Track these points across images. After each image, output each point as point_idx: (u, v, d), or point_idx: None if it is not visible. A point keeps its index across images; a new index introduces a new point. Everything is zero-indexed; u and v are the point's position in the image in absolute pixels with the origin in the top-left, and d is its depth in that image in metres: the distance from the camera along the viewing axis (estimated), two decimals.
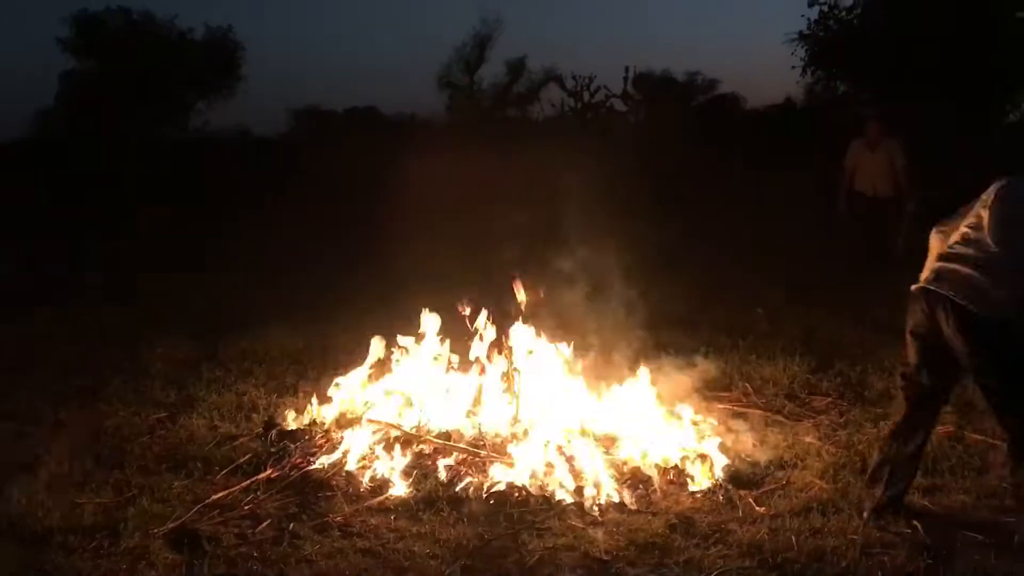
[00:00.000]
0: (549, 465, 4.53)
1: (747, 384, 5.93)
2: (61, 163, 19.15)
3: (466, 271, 7.63)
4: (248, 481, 4.55)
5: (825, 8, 18.74)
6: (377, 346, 5.47)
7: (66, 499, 4.30)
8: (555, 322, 5.49)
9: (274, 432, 5.11)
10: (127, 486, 4.49)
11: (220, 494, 4.39)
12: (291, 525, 4.10)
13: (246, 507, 4.28)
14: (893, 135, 9.64)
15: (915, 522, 3.90)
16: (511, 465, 4.56)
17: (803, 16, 19.04)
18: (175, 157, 20.58)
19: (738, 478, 4.49)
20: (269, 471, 4.65)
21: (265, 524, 4.11)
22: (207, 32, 26.03)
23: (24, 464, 4.69)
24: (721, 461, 4.62)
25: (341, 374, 5.50)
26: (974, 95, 17.40)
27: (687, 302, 8.19)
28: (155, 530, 4.02)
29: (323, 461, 4.74)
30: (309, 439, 5.05)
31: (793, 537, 3.82)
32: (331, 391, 5.37)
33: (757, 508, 4.17)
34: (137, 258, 11.27)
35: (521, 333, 5.29)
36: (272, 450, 4.93)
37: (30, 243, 11.85)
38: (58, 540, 3.89)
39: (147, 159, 19.59)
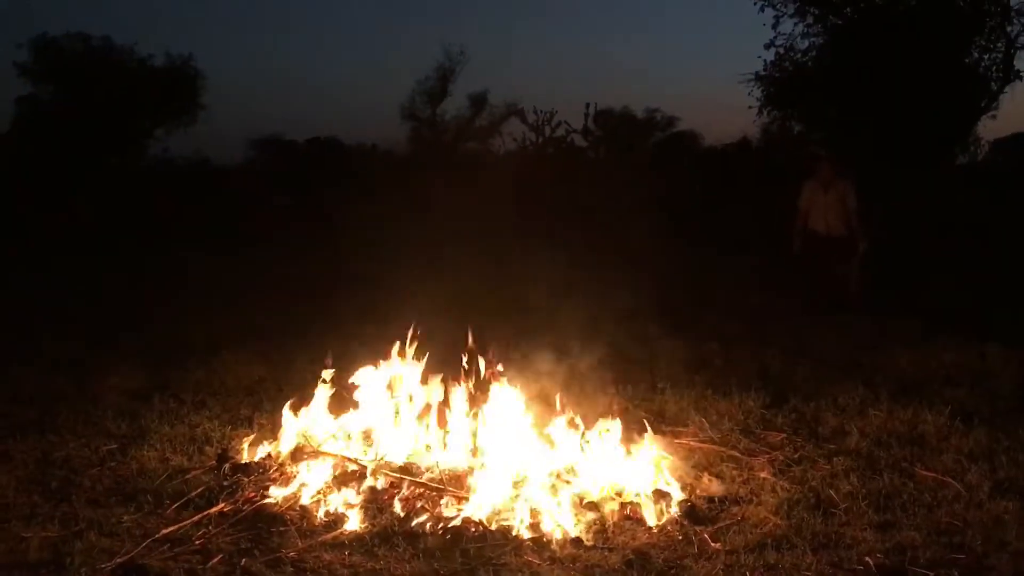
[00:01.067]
0: (506, 501, 4.51)
1: (703, 419, 5.97)
2: (12, 189, 18.83)
3: (428, 301, 7.61)
4: (199, 515, 4.46)
5: (781, 50, 19.20)
6: (326, 380, 5.43)
7: (11, 532, 4.19)
8: (512, 357, 5.49)
9: (227, 465, 5.03)
10: (75, 519, 4.39)
11: (170, 528, 4.29)
12: (243, 561, 4.02)
13: (197, 542, 4.20)
14: (845, 176, 9.88)
15: (867, 559, 3.94)
16: (468, 500, 4.53)
17: (759, 57, 19.50)
18: (133, 185, 20.37)
19: (694, 514, 4.50)
20: (221, 505, 4.57)
21: (216, 559, 4.03)
22: (167, 60, 25.93)
23: None
24: (677, 496, 4.64)
25: (297, 407, 5.43)
26: (920, 141, 17.88)
27: (642, 337, 8.25)
28: (103, 565, 3.93)
29: (277, 495, 4.68)
30: (263, 472, 4.98)
31: (748, 573, 3.84)
32: (285, 424, 5.30)
33: (712, 544, 4.18)
34: (90, 286, 11.09)
35: (480, 373, 5.29)
36: (225, 483, 4.85)
37: None
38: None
39: (103, 185, 19.36)
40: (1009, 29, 18.71)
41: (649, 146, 28.10)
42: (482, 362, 5.32)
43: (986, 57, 18.87)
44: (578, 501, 4.60)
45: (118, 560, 3.98)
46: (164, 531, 4.27)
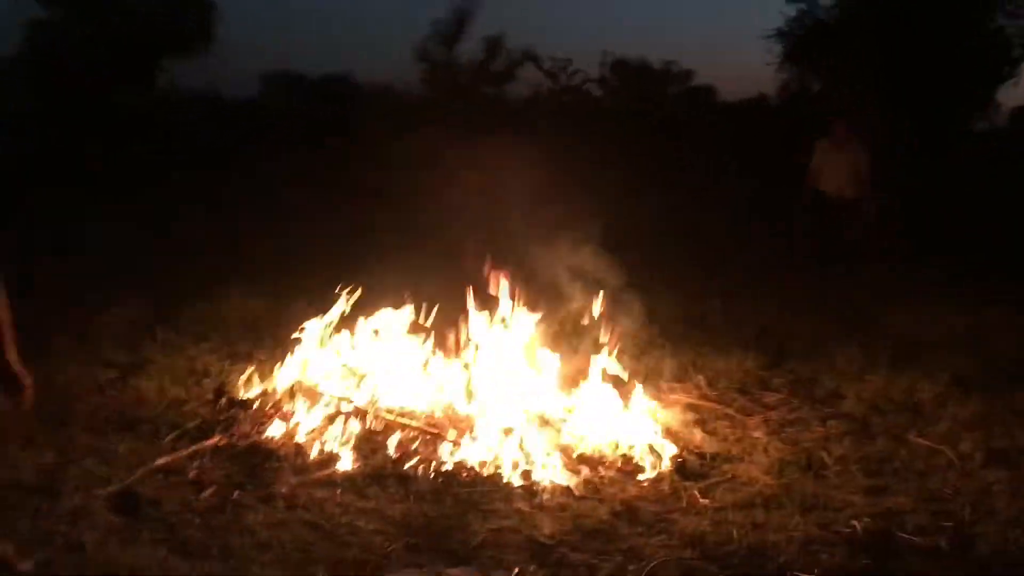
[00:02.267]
0: (499, 446, 4.54)
1: (700, 376, 5.97)
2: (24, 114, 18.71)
3: (436, 245, 7.59)
4: (195, 447, 4.51)
5: (804, 6, 18.86)
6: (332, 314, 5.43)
7: (9, 456, 4.23)
8: (517, 304, 5.47)
9: (224, 399, 5.07)
10: (72, 446, 4.43)
11: (166, 459, 4.35)
12: (235, 494, 4.07)
13: (191, 473, 4.25)
14: (858, 137, 9.75)
15: (854, 522, 3.96)
16: (461, 445, 4.56)
17: (781, 13, 19.16)
18: (141, 115, 20.23)
19: (685, 469, 4.52)
20: (217, 438, 4.62)
21: (209, 491, 4.08)
22: None
23: None
24: (670, 451, 4.66)
25: (296, 344, 5.45)
26: (940, 104, 17.62)
27: (647, 290, 8.20)
28: (97, 491, 3.98)
29: (272, 431, 4.71)
30: (259, 408, 5.01)
31: (735, 530, 3.86)
32: (283, 360, 5.33)
33: (702, 500, 4.21)
34: (94, 216, 11.05)
35: (482, 313, 5.29)
36: (221, 417, 4.91)
37: None
38: None
39: (113, 114, 19.21)
40: None
41: (666, 98, 27.77)
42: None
43: (1010, 23, 18.49)
44: (571, 451, 4.63)
45: (112, 487, 4.03)
46: (159, 461, 4.32)
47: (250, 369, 5.42)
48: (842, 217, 9.54)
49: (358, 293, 5.51)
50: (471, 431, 4.65)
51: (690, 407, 5.43)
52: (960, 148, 18.36)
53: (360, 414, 4.82)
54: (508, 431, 4.62)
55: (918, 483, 4.43)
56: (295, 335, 5.40)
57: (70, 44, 22.15)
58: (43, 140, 16.06)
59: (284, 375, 5.23)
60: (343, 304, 5.44)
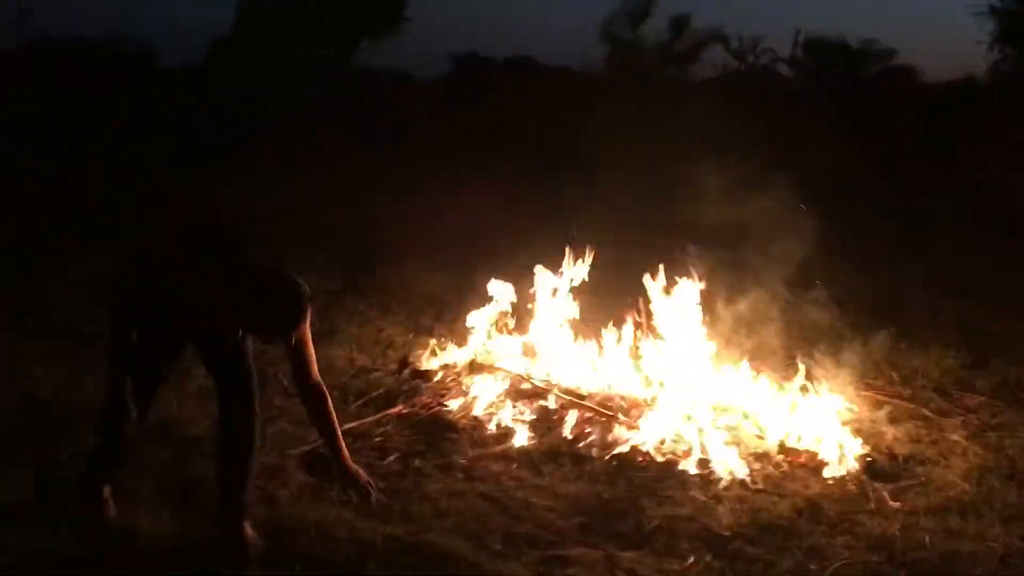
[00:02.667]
0: (677, 433, 4.47)
1: (895, 374, 5.65)
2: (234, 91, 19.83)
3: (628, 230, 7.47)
4: (380, 415, 4.70)
5: None
6: (502, 294, 5.50)
7: (209, 414, 4.54)
8: (705, 289, 5.34)
9: (408, 370, 5.25)
10: (269, 407, 4.69)
11: (353, 424, 4.54)
12: (416, 461, 4.22)
13: (376, 439, 4.43)
14: None
15: None
16: (638, 429, 4.52)
17: None
18: (344, 91, 21.06)
19: (874, 470, 4.30)
20: (400, 407, 4.79)
21: (393, 458, 4.25)
22: None
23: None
24: (858, 450, 4.43)
25: (478, 319, 5.55)
26: None
27: (841, 282, 7.82)
28: (291, 451, 4.22)
29: (452, 403, 4.84)
30: (440, 380, 5.16)
31: (927, 536, 3.64)
32: (466, 334, 5.46)
33: (891, 502, 3.99)
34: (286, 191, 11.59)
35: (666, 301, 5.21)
36: (404, 388, 5.08)
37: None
38: (205, 449, 4.10)
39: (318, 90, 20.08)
40: None
41: (859, 79, 26.33)
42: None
43: None
44: (751, 443, 4.50)
45: (304, 448, 4.26)
46: (347, 426, 4.49)
47: (433, 343, 5.58)
48: None
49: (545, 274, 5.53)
50: (649, 415, 4.60)
51: (882, 404, 5.14)
52: None
53: (536, 392, 4.87)
54: (688, 418, 4.54)
55: None
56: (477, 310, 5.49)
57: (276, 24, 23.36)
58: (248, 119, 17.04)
59: (466, 349, 5.36)
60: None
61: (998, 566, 3.47)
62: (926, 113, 18.45)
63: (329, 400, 3.54)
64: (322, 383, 3.54)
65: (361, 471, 3.65)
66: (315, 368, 3.52)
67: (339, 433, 3.58)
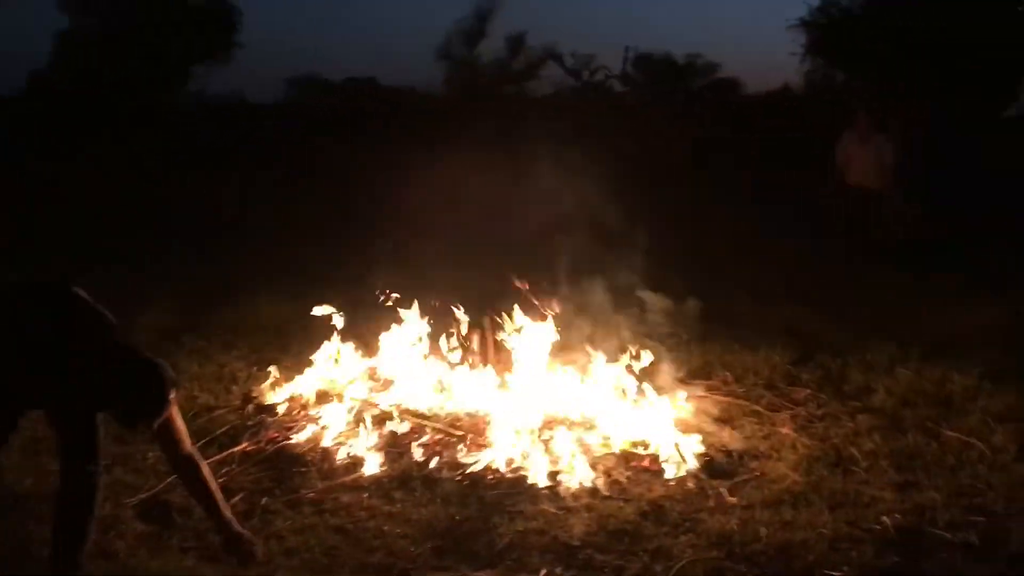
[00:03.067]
0: (525, 449, 4.54)
1: (727, 373, 5.93)
2: (56, 121, 18.87)
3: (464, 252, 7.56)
4: (223, 454, 4.56)
5: None
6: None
7: (41, 465, 4.28)
8: (541, 305, 5.46)
9: (252, 405, 5.12)
10: (103, 454, 4.46)
11: None
12: (263, 500, 4.11)
13: (220, 480, 4.26)
14: (884, 129, 9.66)
15: (884, 518, 3.92)
16: (487, 447, 4.56)
17: (805, 2, 19.01)
18: (173, 122, 20.39)
19: (712, 468, 4.50)
20: (245, 444, 4.66)
21: (238, 498, 4.12)
22: None
23: None
24: (696, 450, 4.62)
25: (322, 350, 5.48)
26: (974, 89, 17.36)
27: (674, 289, 8.16)
28: (127, 500, 4.04)
29: (299, 436, 4.74)
30: (287, 413, 5.05)
31: (763, 529, 3.84)
32: (310, 365, 5.37)
33: (729, 498, 4.18)
34: (118, 225, 11.16)
35: (505, 316, 5.29)
36: (249, 423, 4.94)
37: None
38: (30, 506, 3.90)
39: (144, 122, 19.39)
40: None
41: (688, 92, 27.56)
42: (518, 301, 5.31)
43: None
44: (596, 451, 4.61)
45: (142, 495, 4.09)
46: None
47: (277, 375, 5.46)
48: (868, 208, 9.45)
49: (386, 297, 5.53)
50: (496, 433, 4.65)
51: (717, 404, 5.39)
52: (990, 136, 18.06)
53: (385, 418, 4.85)
54: (533, 432, 4.62)
55: (949, 477, 4.37)
56: (321, 339, 5.44)
57: (100, 53, 22.41)
58: (70, 150, 16.25)
59: (310, 381, 5.27)
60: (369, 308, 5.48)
61: (828, 551, 3.69)
62: (744, 120, 19.49)
63: (204, 467, 3.54)
64: (195, 453, 3.53)
65: (245, 533, 3.60)
66: (186, 440, 3.50)
67: (218, 498, 3.56)
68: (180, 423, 3.46)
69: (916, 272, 8.80)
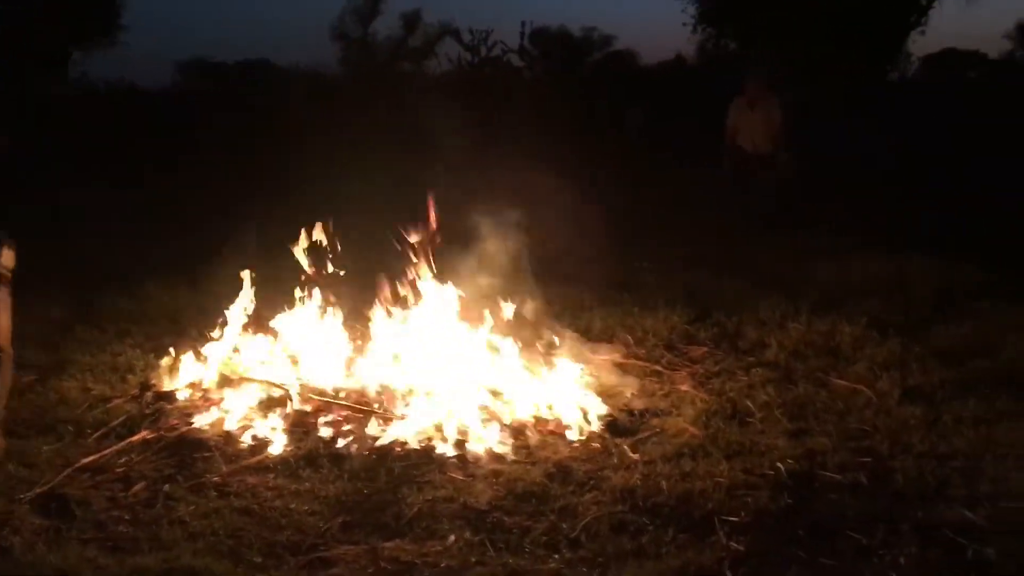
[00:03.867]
0: (432, 420, 4.56)
1: (628, 336, 6.06)
2: None
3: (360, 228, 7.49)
4: (122, 444, 4.44)
5: None
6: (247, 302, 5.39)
7: None
8: (443, 277, 5.47)
9: (150, 393, 5.00)
10: None
11: (91, 457, 4.27)
12: (165, 487, 4.03)
13: (118, 470, 4.19)
14: (772, 92, 9.93)
15: (778, 464, 4.08)
16: (394, 420, 4.57)
17: None
18: (52, 108, 19.57)
19: (616, 427, 4.61)
20: (144, 433, 4.55)
21: (138, 487, 4.03)
22: None
23: None
24: (600, 411, 4.73)
25: (220, 333, 5.38)
26: (852, 58, 18.00)
27: (578, 256, 8.28)
28: (22, 496, 3.90)
29: (201, 421, 4.66)
30: (188, 399, 4.96)
31: (664, 482, 3.95)
32: (209, 349, 5.27)
33: (632, 455, 4.30)
34: (7, 214, 10.69)
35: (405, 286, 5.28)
36: (148, 412, 4.84)
37: None
38: None
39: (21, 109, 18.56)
40: None
41: (586, 65, 27.85)
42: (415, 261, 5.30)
43: None
44: (503, 418, 4.67)
45: (38, 490, 3.96)
46: (84, 460, 4.24)
47: (175, 360, 5.34)
48: (758, 173, 9.73)
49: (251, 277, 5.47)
50: (402, 405, 4.66)
51: (619, 366, 5.51)
52: (874, 100, 18.78)
53: (289, 398, 4.80)
54: (440, 402, 4.64)
55: (838, 423, 4.59)
56: (218, 323, 5.34)
57: None
58: None
59: (210, 364, 5.17)
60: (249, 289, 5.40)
61: (726, 498, 3.83)
62: (640, 91, 19.78)
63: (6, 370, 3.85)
64: (7, 351, 3.84)
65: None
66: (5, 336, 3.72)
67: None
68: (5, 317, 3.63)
69: (805, 230, 9.14)
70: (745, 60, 19.13)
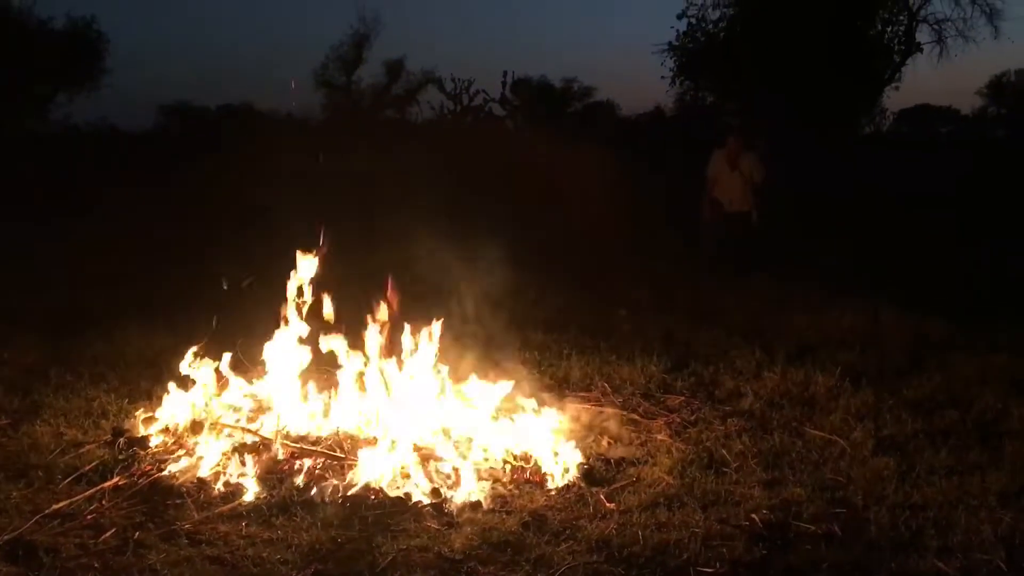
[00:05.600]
0: (406, 467, 4.54)
1: (606, 384, 6.08)
2: None
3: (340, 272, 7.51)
4: (93, 490, 4.38)
5: (693, 21, 19.46)
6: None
7: None
8: (420, 323, 5.48)
9: (123, 439, 4.95)
10: None
11: (61, 503, 4.21)
12: (136, 534, 3.97)
13: (89, 516, 4.12)
14: (753, 148, 10.11)
15: (753, 515, 4.09)
16: (366, 467, 4.54)
17: (672, 28, 19.74)
18: (32, 151, 19.57)
19: (591, 476, 4.60)
20: (116, 479, 4.50)
21: (109, 533, 3.97)
22: (68, 22, 24.87)
23: None
24: (576, 459, 4.73)
25: (195, 378, 5.35)
26: (827, 111, 18.35)
27: (556, 304, 8.35)
28: None
29: (173, 468, 4.62)
30: (161, 445, 4.91)
31: (639, 531, 3.95)
32: (182, 395, 5.23)
33: (607, 504, 4.29)
34: None
35: (378, 335, 5.27)
36: (120, 457, 4.78)
37: None
38: None
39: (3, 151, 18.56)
40: (911, 2, 19.33)
41: (566, 116, 28.21)
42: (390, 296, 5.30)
43: (889, 29, 19.47)
44: (479, 465, 4.65)
45: (6, 536, 3.89)
46: (54, 506, 4.18)
47: (149, 407, 5.30)
48: (735, 227, 9.88)
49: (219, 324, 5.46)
50: (376, 452, 4.64)
51: (596, 414, 5.51)
52: (848, 153, 19.13)
53: (263, 444, 4.77)
54: (415, 449, 4.63)
55: (813, 473, 4.61)
56: (188, 368, 5.31)
57: None
58: None
59: (184, 411, 5.13)
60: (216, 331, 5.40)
61: (701, 548, 3.83)
62: (619, 141, 20.02)
63: None
64: None
65: None
66: None
67: None
68: None
69: (781, 282, 9.25)
70: (722, 111, 19.46)
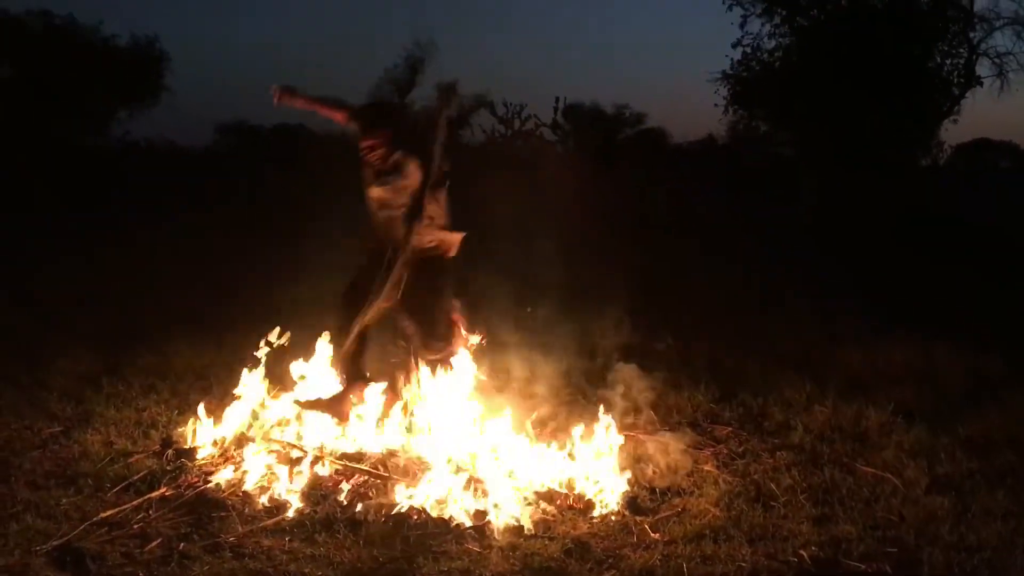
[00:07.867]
0: (450, 488, 4.52)
1: (652, 412, 6.01)
2: None
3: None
4: (140, 499, 4.44)
5: (748, 50, 19.35)
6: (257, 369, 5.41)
7: None
8: (469, 349, 5.48)
9: (171, 450, 5.01)
10: (12, 501, 4.35)
11: (109, 512, 4.27)
12: (181, 545, 4.01)
13: (135, 526, 4.17)
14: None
15: (801, 551, 4.00)
16: (412, 487, 4.54)
17: (727, 56, 19.64)
18: (93, 164, 20.08)
19: (636, 505, 4.54)
20: (163, 489, 4.55)
21: (155, 543, 4.01)
22: (132, 40, 25.49)
23: None
24: (621, 487, 4.67)
25: (244, 391, 5.40)
26: (883, 144, 18.09)
27: (601, 330, 8.28)
28: (38, 547, 3.90)
29: (220, 480, 4.65)
30: (208, 457, 4.96)
31: (684, 563, 3.88)
32: (231, 408, 5.28)
33: (652, 534, 4.23)
34: (45, 262, 10.92)
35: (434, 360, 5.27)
36: (168, 468, 4.84)
37: None
38: None
39: (64, 164, 19.05)
40: (972, 35, 19.03)
41: (618, 141, 28.18)
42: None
43: (948, 62, 19.17)
44: (523, 489, 4.62)
45: (54, 543, 3.96)
46: (102, 514, 4.25)
47: (197, 419, 5.35)
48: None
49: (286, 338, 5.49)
50: (421, 473, 4.63)
51: (642, 442, 5.44)
52: (904, 187, 18.82)
53: (308, 460, 4.79)
54: (459, 471, 4.61)
55: (864, 510, 4.49)
56: (240, 383, 5.36)
57: (18, 98, 21.98)
58: None
59: (232, 424, 5.18)
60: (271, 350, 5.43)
61: None
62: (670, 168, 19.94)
63: None
64: None
65: None
66: None
67: None
68: None
69: (834, 312, 9.09)
70: (776, 141, 19.30)
